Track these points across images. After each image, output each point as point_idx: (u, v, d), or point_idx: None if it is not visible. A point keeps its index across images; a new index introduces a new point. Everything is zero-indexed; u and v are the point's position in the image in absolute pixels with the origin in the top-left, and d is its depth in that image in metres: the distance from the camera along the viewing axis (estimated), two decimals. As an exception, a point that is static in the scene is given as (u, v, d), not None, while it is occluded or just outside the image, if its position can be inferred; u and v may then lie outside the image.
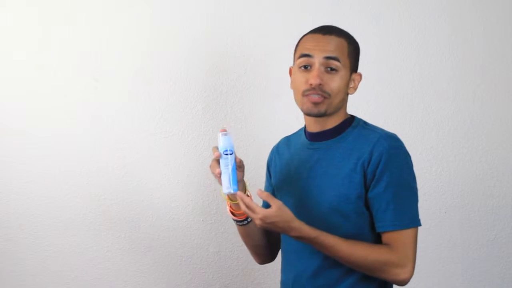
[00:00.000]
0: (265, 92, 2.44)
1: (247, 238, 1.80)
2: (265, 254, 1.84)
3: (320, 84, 1.60)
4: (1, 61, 2.41)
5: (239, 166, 1.65)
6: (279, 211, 1.52)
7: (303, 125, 1.77)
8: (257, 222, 1.55)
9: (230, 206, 1.71)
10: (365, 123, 1.70)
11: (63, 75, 2.42)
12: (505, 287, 2.49)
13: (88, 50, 2.42)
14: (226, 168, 1.62)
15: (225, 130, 1.64)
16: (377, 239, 1.63)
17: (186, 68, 2.44)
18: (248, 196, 1.64)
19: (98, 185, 2.42)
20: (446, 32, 2.47)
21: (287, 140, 1.83)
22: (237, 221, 1.74)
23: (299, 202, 1.65)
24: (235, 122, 2.45)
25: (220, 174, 1.61)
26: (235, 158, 1.63)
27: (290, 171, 1.73)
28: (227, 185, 1.61)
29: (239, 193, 1.57)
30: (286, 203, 1.64)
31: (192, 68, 2.44)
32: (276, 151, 1.84)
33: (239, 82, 2.45)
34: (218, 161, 1.63)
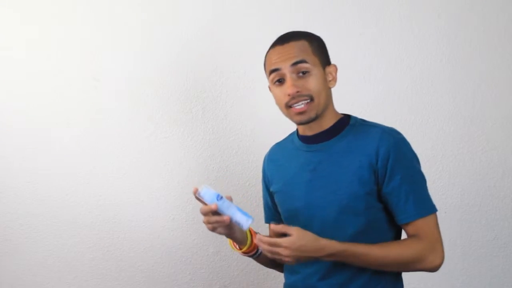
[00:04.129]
0: (265, 92, 2.43)
1: (267, 263, 1.82)
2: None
3: (297, 92, 1.61)
4: (1, 61, 2.41)
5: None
6: (301, 233, 1.51)
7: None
8: (285, 253, 1.51)
9: (240, 250, 1.73)
10: (362, 120, 1.71)
11: (63, 75, 2.42)
12: (505, 287, 2.49)
13: (88, 50, 2.42)
14: (229, 209, 1.59)
15: (197, 188, 1.62)
16: (388, 233, 1.64)
17: (186, 68, 2.44)
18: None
19: (98, 185, 2.42)
20: (446, 32, 2.47)
21: (278, 147, 1.84)
22: (252, 255, 1.76)
23: (307, 205, 1.65)
24: (235, 122, 2.45)
25: (230, 219, 1.58)
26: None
27: (290, 176, 1.72)
28: (244, 219, 1.58)
29: (259, 236, 1.55)
30: (293, 206, 1.64)
31: (192, 68, 2.44)
32: (269, 159, 1.84)
33: (239, 82, 2.45)
34: (216, 214, 1.60)
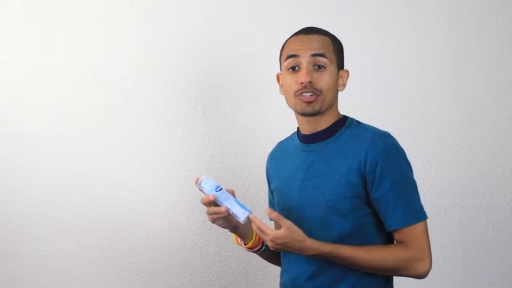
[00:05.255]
0: (265, 92, 2.44)
1: (269, 259, 1.83)
2: None
3: (310, 82, 1.62)
4: (1, 61, 2.41)
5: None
6: (289, 232, 1.53)
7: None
8: (269, 243, 1.57)
9: (245, 245, 1.75)
10: (358, 122, 1.71)
11: (63, 75, 2.42)
12: (505, 287, 2.49)
13: (88, 50, 2.42)
14: (228, 200, 1.61)
15: (198, 178, 1.64)
16: (376, 238, 1.64)
17: (186, 68, 2.44)
18: None
19: (98, 185, 2.42)
20: (445, 32, 2.47)
21: (281, 145, 1.84)
22: (256, 251, 1.76)
23: (298, 205, 1.66)
24: (235, 122, 2.45)
25: (227, 210, 1.60)
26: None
27: (286, 174, 1.73)
28: (241, 212, 1.60)
29: (251, 216, 1.58)
30: (287, 205, 1.64)
31: (192, 68, 2.44)
32: (271, 158, 1.85)
33: (239, 82, 2.45)
34: (214, 205, 1.62)
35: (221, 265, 2.46)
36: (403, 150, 1.64)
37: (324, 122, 1.68)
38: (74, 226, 2.42)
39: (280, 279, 1.78)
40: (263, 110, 2.45)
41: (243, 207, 1.61)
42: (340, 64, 1.70)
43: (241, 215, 1.60)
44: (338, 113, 1.71)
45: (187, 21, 2.45)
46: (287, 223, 1.53)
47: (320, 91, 1.63)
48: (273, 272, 2.41)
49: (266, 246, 1.75)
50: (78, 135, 2.42)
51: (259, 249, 1.76)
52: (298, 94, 1.64)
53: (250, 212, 1.60)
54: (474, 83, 2.48)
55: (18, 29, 2.42)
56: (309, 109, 1.64)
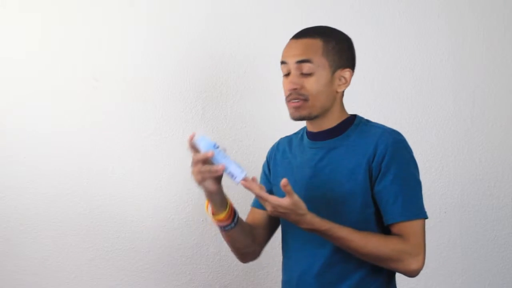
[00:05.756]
0: (265, 92, 2.44)
1: (232, 242, 1.75)
2: (249, 253, 1.80)
3: (295, 89, 1.62)
4: (1, 61, 2.41)
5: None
6: (294, 206, 1.51)
7: (302, 125, 1.77)
8: (268, 208, 1.53)
9: (214, 216, 1.66)
10: (367, 120, 1.71)
11: (63, 75, 2.42)
12: (505, 287, 2.49)
13: (88, 50, 2.42)
14: (224, 159, 1.55)
15: (194, 133, 1.56)
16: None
17: (186, 68, 2.44)
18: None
19: (98, 185, 2.42)
20: (446, 32, 2.47)
21: (288, 139, 1.83)
22: (223, 226, 1.68)
23: (305, 200, 1.65)
24: (235, 122, 2.45)
25: (224, 169, 1.54)
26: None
27: (293, 170, 1.73)
28: (239, 171, 1.54)
29: (248, 183, 1.52)
30: None
31: (192, 68, 2.44)
32: (277, 148, 1.84)
33: (239, 82, 2.45)
34: (209, 164, 1.55)
35: (221, 265, 2.46)
36: (410, 149, 1.65)
37: (327, 123, 1.68)
38: (74, 226, 2.41)
39: (283, 277, 1.77)
40: (263, 110, 2.45)
41: (240, 166, 1.55)
42: (337, 65, 1.65)
43: (239, 174, 1.54)
44: (344, 113, 1.71)
45: (187, 21, 2.45)
46: (295, 198, 1.50)
47: (307, 96, 1.63)
48: (273, 272, 2.41)
49: (235, 225, 1.68)
50: (78, 135, 2.41)
51: (227, 225, 1.67)
52: (288, 100, 1.65)
53: (246, 172, 1.54)
54: (474, 83, 2.48)
55: (18, 29, 2.42)
56: (296, 114, 1.65)
